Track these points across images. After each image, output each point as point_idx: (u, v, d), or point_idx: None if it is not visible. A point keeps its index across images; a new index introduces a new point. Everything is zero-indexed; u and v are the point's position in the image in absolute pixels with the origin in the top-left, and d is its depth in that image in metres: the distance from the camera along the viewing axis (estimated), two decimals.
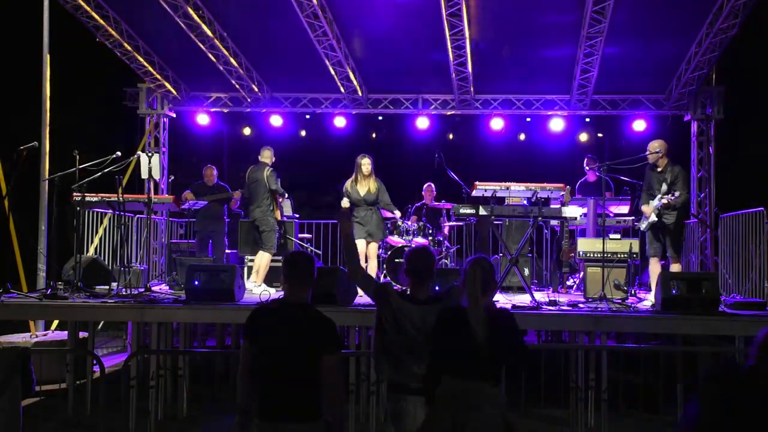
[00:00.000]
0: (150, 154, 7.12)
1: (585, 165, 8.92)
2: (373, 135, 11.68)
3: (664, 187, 6.60)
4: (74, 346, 6.49)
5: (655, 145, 6.70)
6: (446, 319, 3.28)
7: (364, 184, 7.55)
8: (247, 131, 11.41)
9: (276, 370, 3.12)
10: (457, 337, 3.14)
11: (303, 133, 11.49)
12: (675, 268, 6.76)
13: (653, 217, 6.64)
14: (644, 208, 6.78)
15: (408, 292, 3.54)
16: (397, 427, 3.38)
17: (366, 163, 7.57)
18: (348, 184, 7.64)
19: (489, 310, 3.22)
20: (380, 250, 8.63)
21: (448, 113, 10.46)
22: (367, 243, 7.54)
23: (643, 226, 6.87)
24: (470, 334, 3.08)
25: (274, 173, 7.80)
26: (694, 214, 9.42)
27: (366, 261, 7.50)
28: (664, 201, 6.47)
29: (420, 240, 8.22)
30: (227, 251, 8.76)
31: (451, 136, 11.72)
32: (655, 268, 6.80)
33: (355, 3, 8.18)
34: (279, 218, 7.96)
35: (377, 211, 7.63)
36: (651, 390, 5.99)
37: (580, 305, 6.12)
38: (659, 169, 6.72)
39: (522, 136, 11.25)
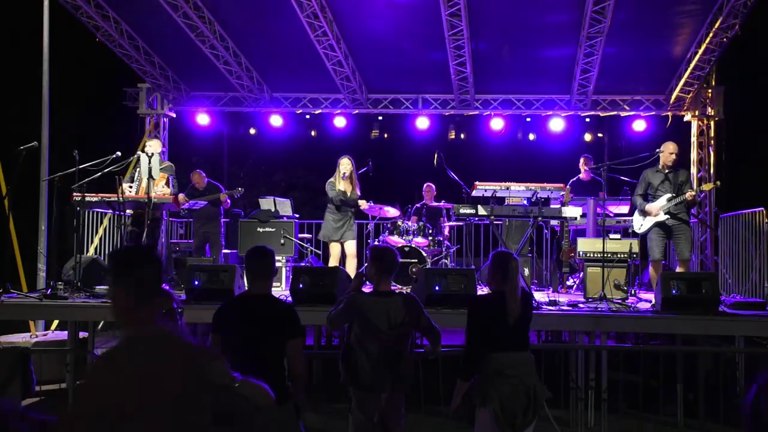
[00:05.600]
0: (150, 155, 7.11)
1: (581, 164, 8.88)
2: (373, 135, 11.67)
3: (668, 186, 6.66)
4: (74, 346, 6.48)
5: (674, 147, 6.87)
6: (484, 303, 3.85)
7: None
8: (251, 131, 11.38)
9: (246, 359, 3.21)
10: (499, 318, 3.63)
11: (313, 133, 11.43)
12: (682, 269, 6.74)
13: (661, 216, 6.64)
14: (650, 207, 6.73)
15: (372, 290, 3.86)
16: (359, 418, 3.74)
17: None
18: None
19: (523, 292, 3.77)
20: None
21: (448, 113, 10.46)
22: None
23: (643, 227, 6.83)
24: (509, 314, 3.63)
25: None
26: (694, 214, 9.41)
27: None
28: (691, 194, 6.61)
29: (420, 240, 8.20)
30: (226, 251, 8.75)
31: (451, 136, 11.71)
32: (658, 271, 6.75)
33: (355, 3, 8.17)
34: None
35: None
36: (651, 390, 5.99)
37: (580, 305, 6.12)
38: (667, 171, 6.76)
39: (522, 136, 11.24)
